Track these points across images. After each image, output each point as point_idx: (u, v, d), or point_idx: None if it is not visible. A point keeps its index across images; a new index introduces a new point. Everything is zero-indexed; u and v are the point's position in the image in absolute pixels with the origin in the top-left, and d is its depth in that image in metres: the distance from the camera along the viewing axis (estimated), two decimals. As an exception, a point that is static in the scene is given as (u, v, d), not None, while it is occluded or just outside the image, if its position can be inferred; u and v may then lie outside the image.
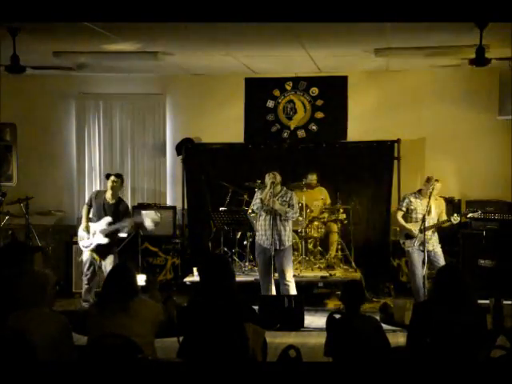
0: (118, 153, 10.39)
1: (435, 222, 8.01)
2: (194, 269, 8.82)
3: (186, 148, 10.00)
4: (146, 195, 10.32)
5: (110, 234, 8.22)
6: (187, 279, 8.89)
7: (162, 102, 10.28)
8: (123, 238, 9.12)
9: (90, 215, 8.40)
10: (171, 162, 10.33)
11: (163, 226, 9.66)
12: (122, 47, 7.84)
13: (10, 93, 9.81)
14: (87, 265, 8.27)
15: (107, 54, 8.19)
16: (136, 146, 10.38)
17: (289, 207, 7.74)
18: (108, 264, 8.16)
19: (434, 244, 8.03)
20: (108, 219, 8.19)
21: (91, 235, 8.22)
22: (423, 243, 7.82)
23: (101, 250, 8.22)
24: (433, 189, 7.93)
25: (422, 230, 7.82)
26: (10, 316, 4.34)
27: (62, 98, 10.33)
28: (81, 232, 8.31)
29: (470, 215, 8.30)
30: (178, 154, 10.13)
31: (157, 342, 4.64)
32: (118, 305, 4.46)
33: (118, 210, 8.27)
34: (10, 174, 10.36)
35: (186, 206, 10.08)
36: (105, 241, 8.17)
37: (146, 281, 8.50)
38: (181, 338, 4.53)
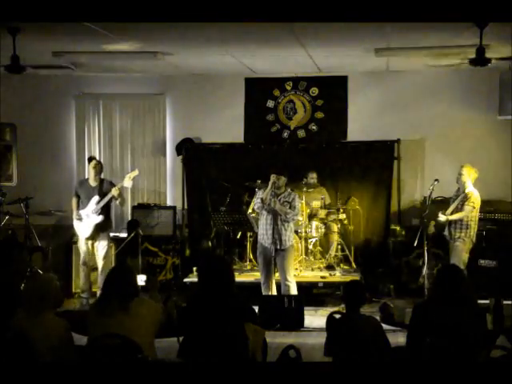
0: (117, 153, 10.39)
1: (448, 216, 8.00)
2: (194, 269, 8.83)
3: (186, 148, 10.01)
4: (146, 195, 10.32)
5: (103, 211, 8.45)
6: (187, 279, 8.89)
7: (162, 101, 10.28)
8: (123, 238, 9.14)
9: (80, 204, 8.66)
10: (171, 162, 10.33)
11: (163, 225, 9.67)
12: (122, 47, 7.84)
13: (10, 93, 9.82)
14: (84, 252, 8.54)
15: (107, 54, 8.20)
16: (136, 146, 10.39)
17: (290, 208, 7.73)
18: (100, 248, 8.50)
19: (455, 238, 8.00)
20: (96, 198, 8.42)
21: (85, 220, 8.44)
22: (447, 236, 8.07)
23: (97, 230, 8.46)
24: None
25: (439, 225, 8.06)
26: (14, 316, 4.33)
27: (62, 97, 10.33)
28: (75, 223, 8.56)
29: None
30: (178, 154, 10.14)
31: (157, 342, 4.63)
32: (118, 305, 4.46)
33: (102, 189, 8.49)
34: (10, 174, 10.36)
35: (186, 206, 10.09)
36: (99, 218, 8.41)
37: (146, 281, 8.50)
38: (181, 338, 4.53)
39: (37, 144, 10.35)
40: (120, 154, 10.39)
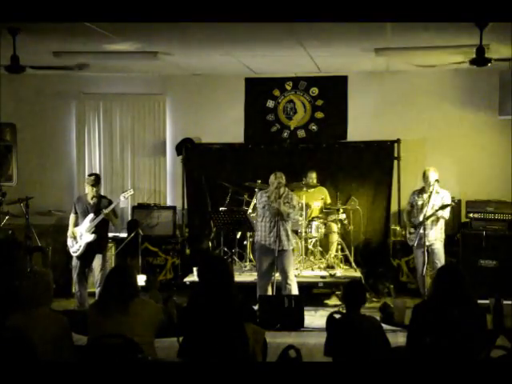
0: (118, 153, 10.39)
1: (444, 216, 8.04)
2: (194, 269, 8.83)
3: (186, 148, 10.01)
4: (146, 195, 10.32)
5: (97, 230, 8.01)
6: (187, 279, 8.89)
7: (162, 102, 10.29)
8: (123, 238, 9.14)
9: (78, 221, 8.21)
10: (171, 162, 10.33)
11: (163, 225, 9.68)
12: (122, 47, 7.84)
13: (10, 93, 9.83)
14: (76, 271, 8.13)
15: (107, 54, 8.19)
16: (136, 146, 10.39)
17: (289, 208, 7.74)
18: (96, 265, 8.07)
19: (431, 240, 7.99)
20: (90, 216, 8.00)
21: (78, 238, 8.04)
22: (422, 239, 7.82)
23: (90, 250, 8.02)
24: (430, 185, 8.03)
25: (417, 226, 7.92)
26: (10, 316, 4.34)
27: (62, 97, 10.32)
28: (68, 240, 8.15)
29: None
30: (178, 154, 10.14)
31: (157, 342, 4.64)
32: (117, 305, 4.46)
33: (99, 207, 8.06)
34: (10, 173, 10.36)
35: (186, 206, 10.09)
36: (91, 237, 7.96)
37: (146, 281, 8.50)
38: (181, 338, 4.53)
39: (37, 144, 10.36)
40: (120, 153, 10.39)
